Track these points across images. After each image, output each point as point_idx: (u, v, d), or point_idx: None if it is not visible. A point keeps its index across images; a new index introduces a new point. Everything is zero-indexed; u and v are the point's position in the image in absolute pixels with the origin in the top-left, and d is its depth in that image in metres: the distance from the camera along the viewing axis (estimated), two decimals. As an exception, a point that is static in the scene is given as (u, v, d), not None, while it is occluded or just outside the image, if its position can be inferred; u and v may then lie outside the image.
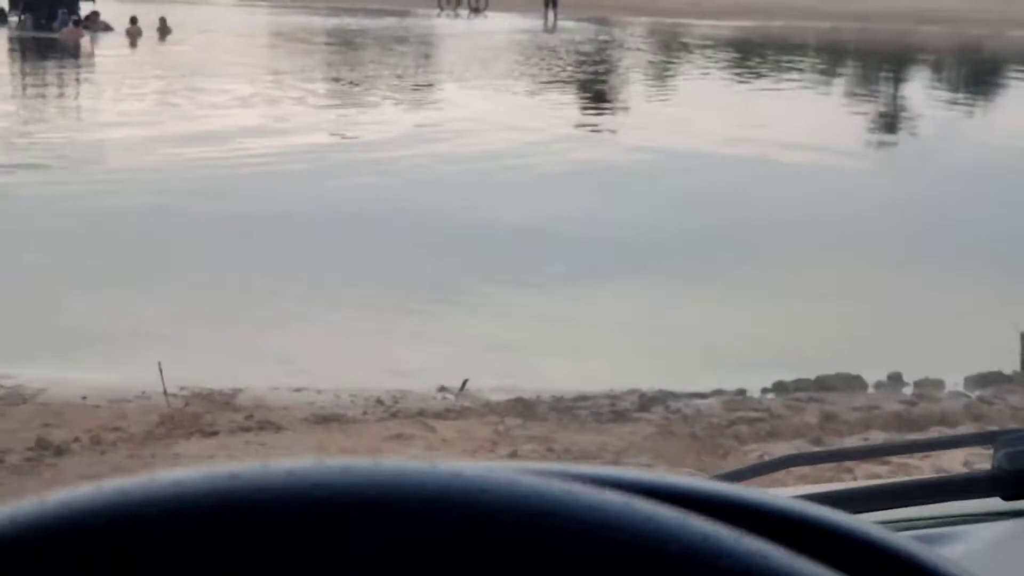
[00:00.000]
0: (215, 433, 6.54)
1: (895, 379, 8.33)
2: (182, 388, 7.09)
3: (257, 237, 11.56)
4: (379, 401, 7.18)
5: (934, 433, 6.80)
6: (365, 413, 7.01)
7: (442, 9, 43.37)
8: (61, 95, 21.11)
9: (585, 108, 22.24)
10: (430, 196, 13.69)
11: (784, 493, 1.08)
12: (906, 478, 1.31)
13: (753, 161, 16.60)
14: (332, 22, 39.21)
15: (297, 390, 7.35)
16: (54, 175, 13.87)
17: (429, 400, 7.36)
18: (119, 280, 10.17)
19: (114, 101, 19.57)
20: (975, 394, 8.12)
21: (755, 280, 11.27)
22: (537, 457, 6.11)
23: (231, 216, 12.35)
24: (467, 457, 6.16)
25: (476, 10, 43.23)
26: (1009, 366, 8.54)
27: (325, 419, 6.86)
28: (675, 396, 7.61)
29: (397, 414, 6.97)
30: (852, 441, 6.74)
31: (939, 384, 8.28)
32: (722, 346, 9.35)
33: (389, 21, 40.37)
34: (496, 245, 11.98)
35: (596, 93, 25.18)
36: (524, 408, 7.06)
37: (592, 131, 19.52)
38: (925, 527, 1.14)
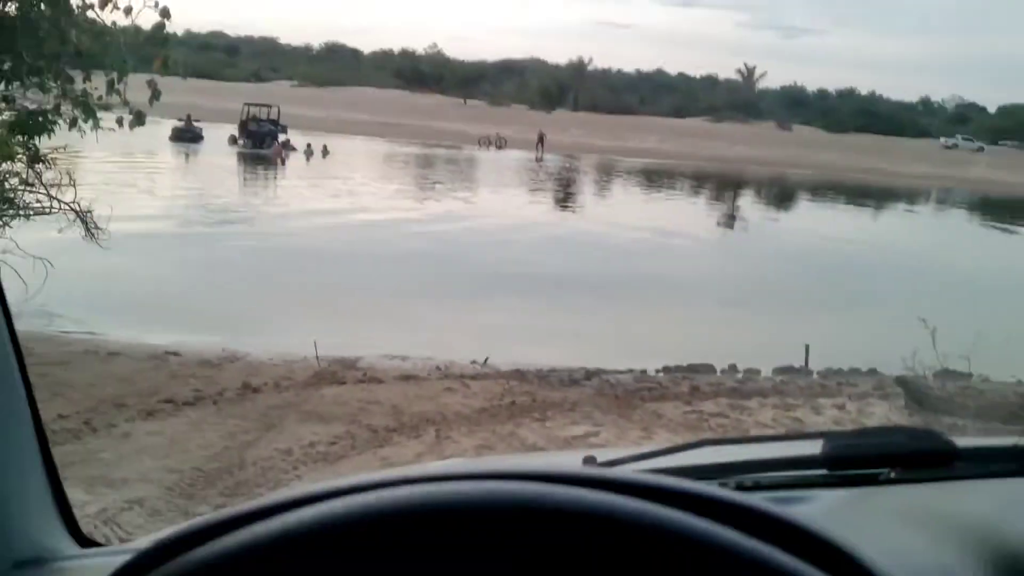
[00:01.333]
0: (343, 383, 8.52)
1: (732, 368, 10.63)
2: (326, 355, 9.25)
3: (364, 263, 16.31)
4: (438, 367, 9.37)
5: (754, 400, 8.87)
6: (429, 375, 9.03)
7: (480, 145, 54.25)
8: (266, 184, 30.27)
9: (551, 203, 29.72)
10: (465, 245, 19.30)
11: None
12: (761, 454, 1.30)
13: (647, 237, 22.63)
14: (418, 150, 48.92)
15: (391, 358, 9.55)
16: (256, 226, 20.12)
17: (466, 367, 9.50)
18: (292, 288, 13.75)
19: (295, 188, 28.48)
20: (778, 379, 10.39)
21: (644, 302, 14.91)
22: (527, 402, 8.02)
23: (348, 251, 17.49)
24: (487, 399, 8.17)
25: (499, 147, 54.69)
26: (798, 363, 11.09)
27: (407, 378, 8.80)
28: (605, 372, 9.92)
29: (448, 376, 9.01)
30: (709, 404, 8.58)
31: (757, 372, 10.60)
32: (627, 340, 12.18)
33: (450, 152, 50.27)
34: (500, 272, 15.91)
35: (559, 195, 32.88)
36: (520, 375, 9.17)
37: (557, 216, 26.85)
38: (768, 488, 1.21)
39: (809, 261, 21.04)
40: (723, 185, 42.68)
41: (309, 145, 38.00)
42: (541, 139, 54.14)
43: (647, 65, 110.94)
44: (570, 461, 1.35)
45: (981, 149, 78.40)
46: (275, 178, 30.86)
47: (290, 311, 12.01)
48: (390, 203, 24.86)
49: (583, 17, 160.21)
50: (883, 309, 15.91)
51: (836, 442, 1.27)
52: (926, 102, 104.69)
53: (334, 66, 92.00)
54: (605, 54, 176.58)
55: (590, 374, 9.91)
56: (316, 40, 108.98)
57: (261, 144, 37.14)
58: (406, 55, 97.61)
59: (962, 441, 1.28)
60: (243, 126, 39.10)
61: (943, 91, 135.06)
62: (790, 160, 60.86)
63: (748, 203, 36.98)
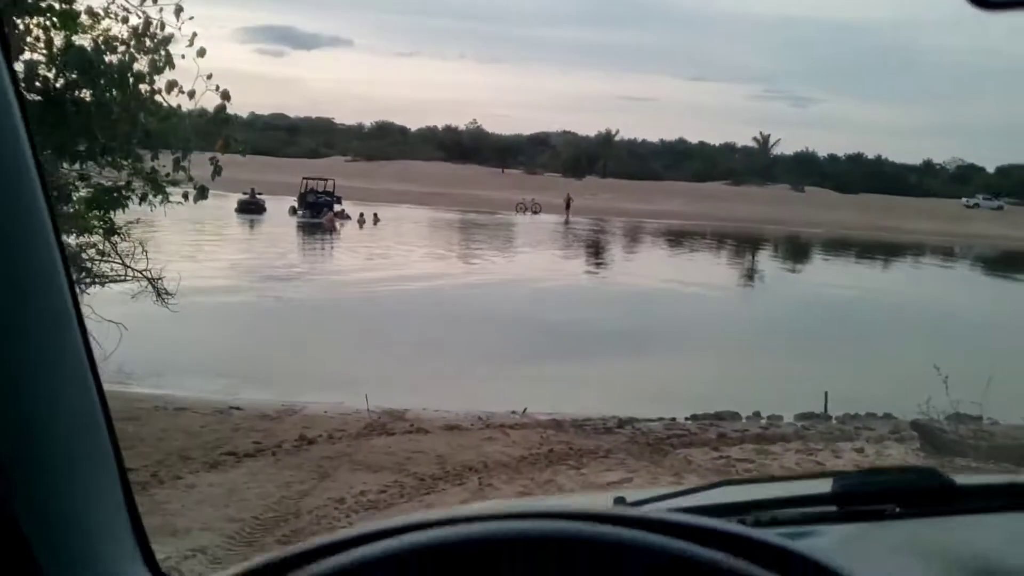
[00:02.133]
0: (392, 434, 8.38)
1: (756, 415, 10.46)
2: (377, 407, 9.19)
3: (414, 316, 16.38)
4: (479, 418, 9.24)
5: (778, 445, 8.64)
6: (472, 425, 8.86)
7: (517, 211, 54.97)
8: (322, 250, 30.63)
9: (584, 261, 29.23)
10: (502, 302, 18.97)
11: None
12: (776, 493, 1.31)
13: (674, 290, 22.89)
14: (460, 216, 49.56)
15: (436, 410, 9.42)
16: (308, 288, 20.12)
17: (506, 418, 9.33)
18: (343, 344, 13.90)
19: (348, 253, 28.29)
20: (800, 424, 10.16)
21: (672, 352, 14.72)
22: (564, 450, 7.81)
23: (394, 310, 17.32)
24: (526, 448, 8.06)
25: (535, 212, 55.19)
26: (818, 408, 10.87)
27: (451, 428, 8.65)
28: (637, 420, 9.69)
29: (489, 425, 8.80)
30: (735, 450, 8.33)
31: (780, 418, 10.44)
32: (656, 388, 11.91)
33: (489, 217, 50.64)
34: (528, 324, 15.69)
35: (591, 254, 32.72)
36: (556, 425, 8.97)
37: (587, 273, 26.69)
38: (782, 524, 1.21)
39: (824, 312, 20.73)
40: (743, 243, 42.33)
41: (362, 214, 38.53)
42: (568, 203, 54.91)
43: (669, 135, 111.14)
44: (602, 501, 1.36)
45: (1001, 208, 76.47)
46: (330, 245, 31.08)
47: (339, 364, 11.99)
48: (430, 264, 24.86)
49: (608, 93, 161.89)
50: (894, 356, 15.57)
51: (845, 481, 1.29)
52: (928, 163, 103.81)
53: (383, 142, 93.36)
54: (630, 125, 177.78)
55: (622, 423, 9.73)
56: (368, 119, 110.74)
57: (318, 214, 37.74)
58: (449, 131, 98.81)
59: (961, 479, 1.30)
60: (302, 198, 39.83)
61: (944, 153, 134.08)
62: (805, 219, 60.48)
63: (766, 259, 36.57)
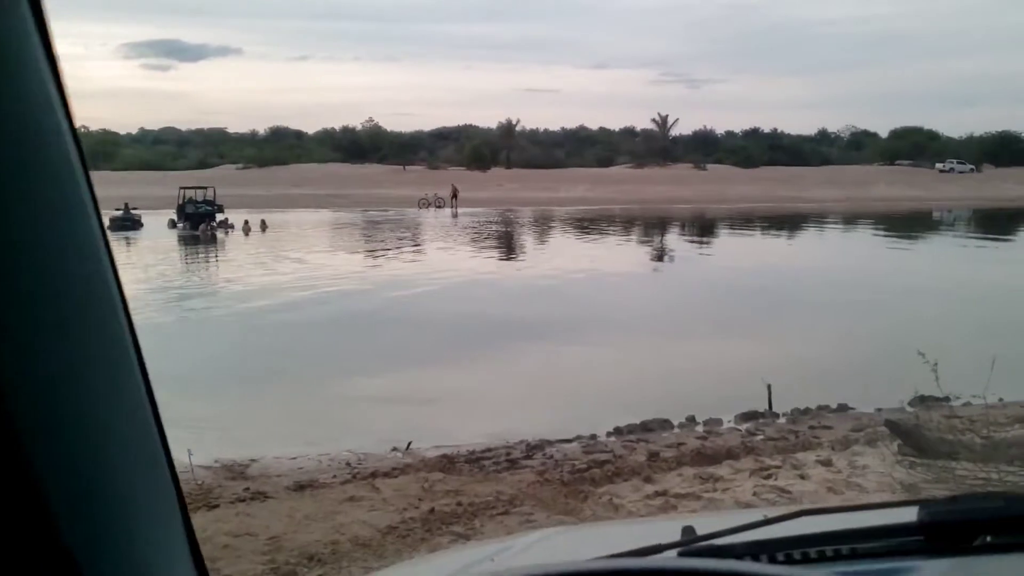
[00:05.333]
0: (216, 505, 6.36)
1: (690, 420, 8.71)
2: (217, 460, 7.47)
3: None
4: (347, 464, 7.26)
5: (726, 466, 6.86)
6: (334, 476, 6.91)
7: (420, 207, 51.89)
8: (204, 258, 27.88)
9: (485, 253, 24.79)
10: (389, 305, 15.47)
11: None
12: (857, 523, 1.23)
13: (585, 277, 20.85)
14: (355, 216, 45.81)
15: (292, 458, 7.41)
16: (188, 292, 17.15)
17: (384, 458, 7.45)
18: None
19: (223, 265, 25.38)
20: (743, 427, 8.51)
21: (586, 345, 12.00)
22: (450, 507, 5.82)
23: (269, 323, 14.68)
24: (400, 509, 5.82)
25: (438, 207, 52.25)
26: (756, 402, 9.13)
27: (302, 487, 6.53)
28: (550, 443, 7.79)
29: (357, 476, 6.86)
30: (674, 478, 6.58)
31: (719, 421, 8.72)
32: (572, 390, 9.81)
33: (387, 215, 46.95)
34: (421, 325, 13.14)
35: (494, 246, 28.80)
36: (447, 463, 7.10)
37: (489, 266, 23.95)
38: (865, 558, 1.16)
39: (741, 291, 19.08)
40: (650, 224, 40.86)
41: (246, 221, 35.64)
42: (455, 194, 53.01)
43: (571, 123, 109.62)
44: (669, 531, 1.20)
45: (973, 170, 77.54)
46: (207, 257, 28.01)
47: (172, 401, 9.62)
48: (307, 271, 21.97)
49: (511, 86, 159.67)
50: (824, 332, 14.02)
51: (931, 509, 1.18)
52: (823, 133, 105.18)
53: (278, 147, 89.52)
54: (532, 116, 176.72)
55: (532, 448, 7.83)
56: (263, 126, 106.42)
57: (196, 225, 35.05)
58: (347, 131, 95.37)
59: None
60: (180, 209, 36.85)
61: (838, 122, 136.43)
62: (709, 196, 59.92)
63: (674, 238, 35.06)
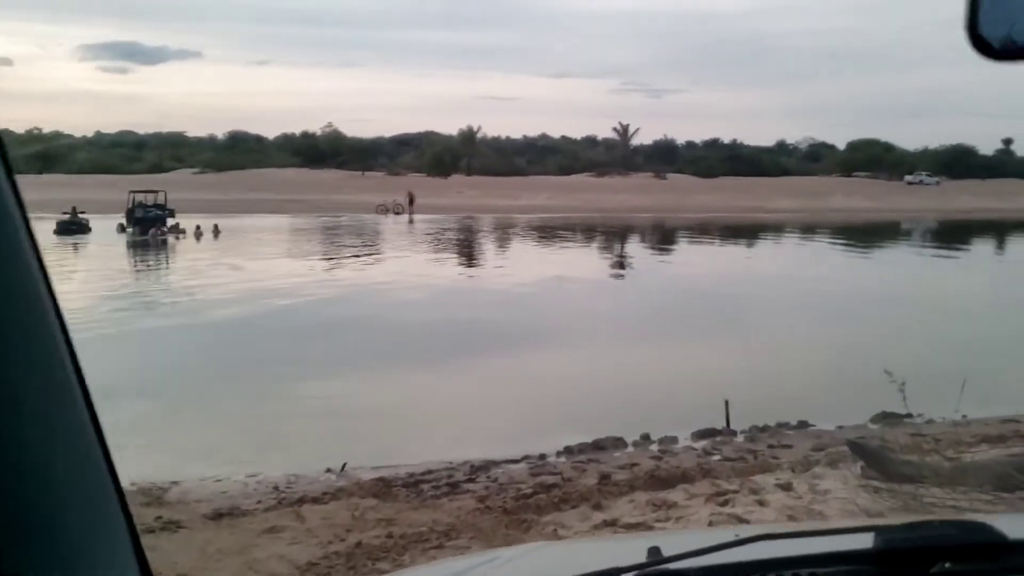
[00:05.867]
0: None
1: (644, 439, 8.25)
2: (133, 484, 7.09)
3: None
4: (275, 487, 6.74)
5: (680, 490, 6.42)
6: (259, 502, 6.43)
7: (378, 212, 50.82)
8: (155, 261, 27.30)
9: (442, 261, 24.13)
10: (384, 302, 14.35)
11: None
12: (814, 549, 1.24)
13: (548, 283, 20.60)
14: (311, 222, 44.77)
15: (217, 480, 6.95)
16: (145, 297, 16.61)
17: (316, 480, 6.98)
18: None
19: (168, 272, 24.74)
20: (699, 445, 8.11)
21: (539, 356, 11.32)
22: (379, 539, 5.39)
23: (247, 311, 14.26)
24: (323, 542, 5.36)
25: (397, 213, 51.34)
26: (718, 421, 8.74)
27: (220, 515, 6.04)
28: (495, 464, 7.37)
29: (283, 501, 6.36)
30: (625, 505, 6.13)
31: (674, 439, 8.28)
32: (522, 405, 9.23)
33: (343, 220, 46.19)
34: (370, 332, 12.90)
35: (453, 253, 28.42)
36: (383, 487, 6.63)
37: (446, 272, 22.94)
38: None
39: (698, 301, 18.77)
40: (610, 233, 40.52)
41: (198, 227, 34.70)
42: (411, 200, 52.60)
43: (532, 131, 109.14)
44: (634, 551, 1.21)
45: (938, 183, 78.25)
46: (154, 263, 26.95)
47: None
48: (251, 280, 21.13)
49: (472, 93, 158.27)
50: (782, 345, 13.70)
51: (887, 535, 1.19)
52: (782, 144, 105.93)
53: (237, 152, 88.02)
54: (494, 124, 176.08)
55: (475, 470, 7.34)
56: (221, 130, 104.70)
57: (146, 231, 33.91)
58: (306, 136, 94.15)
59: (1013, 530, 1.17)
60: (130, 213, 35.69)
61: (796, 134, 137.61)
62: (669, 205, 59.90)
63: (633, 248, 34.69)
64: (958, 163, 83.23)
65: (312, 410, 9.47)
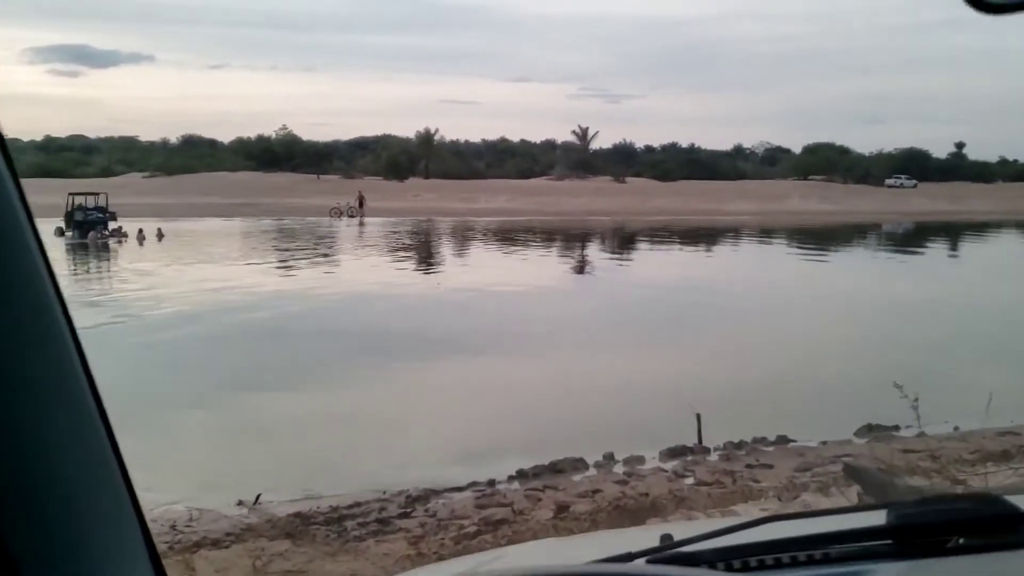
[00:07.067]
0: None
1: (609, 458, 7.38)
2: None
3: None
4: (173, 526, 5.67)
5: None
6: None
7: (331, 215, 49.04)
8: (96, 265, 25.97)
9: (394, 266, 22.78)
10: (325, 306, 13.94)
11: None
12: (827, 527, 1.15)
13: (504, 290, 19.03)
14: (261, 225, 43.23)
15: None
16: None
17: (224, 514, 5.93)
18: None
19: (114, 269, 24.27)
20: (670, 466, 7.21)
21: (492, 366, 10.31)
22: None
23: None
24: None
25: (351, 216, 49.63)
26: (689, 437, 7.83)
27: None
28: (436, 492, 6.41)
29: (175, 546, 5.36)
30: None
31: (641, 459, 7.40)
32: (473, 420, 8.25)
33: (291, 224, 44.32)
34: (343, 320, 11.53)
35: (406, 258, 26.18)
36: (300, 523, 5.65)
37: (394, 278, 20.57)
38: (836, 562, 1.12)
39: (661, 306, 17.84)
40: (569, 237, 39.48)
41: (141, 230, 33.20)
42: (361, 202, 51.69)
43: (492, 135, 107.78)
44: (647, 538, 1.20)
45: (915, 185, 79.03)
46: (90, 268, 25.25)
47: None
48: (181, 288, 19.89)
49: (431, 97, 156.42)
50: (749, 351, 12.81)
51: (901, 512, 1.16)
52: (739, 148, 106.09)
53: (189, 156, 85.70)
54: (453, 128, 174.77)
55: (412, 501, 6.27)
56: (176, 134, 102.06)
57: (85, 234, 32.28)
58: (261, 140, 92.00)
59: None
60: (69, 216, 34.04)
61: (752, 138, 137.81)
62: (628, 208, 59.23)
63: (592, 251, 33.59)
64: (912, 166, 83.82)
65: (223, 427, 8.34)
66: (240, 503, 6.29)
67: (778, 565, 1.13)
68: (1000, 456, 6.67)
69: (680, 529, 1.23)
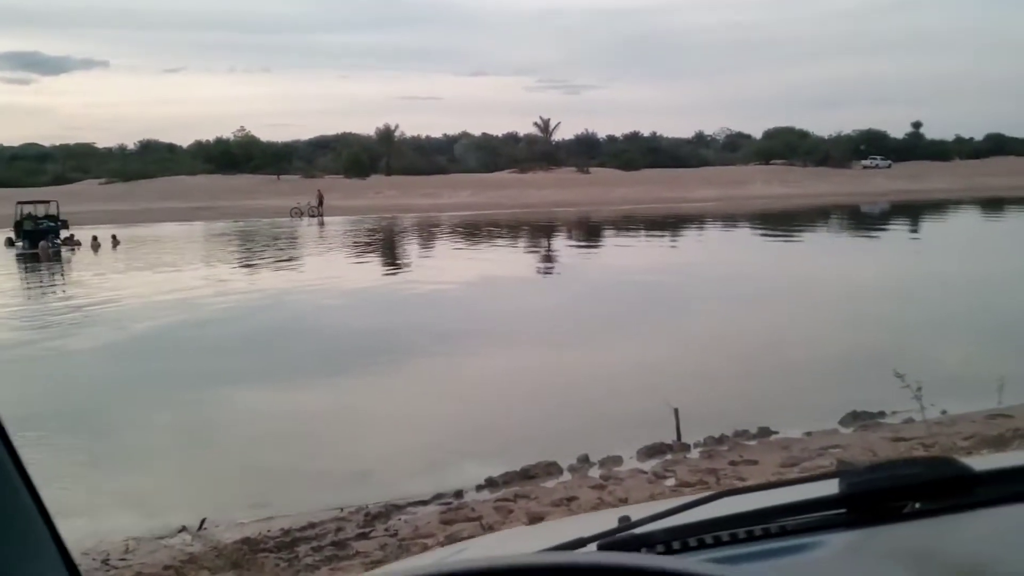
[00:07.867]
0: None
1: (583, 461, 6.94)
2: None
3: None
4: (106, 560, 5.13)
5: None
6: None
7: (292, 216, 48.52)
8: (48, 275, 25.14)
9: (356, 264, 21.41)
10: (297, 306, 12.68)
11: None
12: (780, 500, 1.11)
13: (473, 283, 18.93)
14: (220, 228, 42.08)
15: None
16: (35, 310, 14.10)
17: (160, 549, 5.35)
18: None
19: (69, 278, 23.74)
20: (649, 466, 6.74)
21: (473, 336, 9.70)
22: None
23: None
24: None
25: (312, 215, 49.11)
26: (667, 433, 7.39)
27: None
28: (398, 507, 5.92)
29: None
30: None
31: (618, 460, 6.96)
32: (438, 422, 7.39)
33: (263, 223, 44.06)
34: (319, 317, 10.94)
35: (370, 256, 25.07)
36: (248, 552, 5.08)
37: (361, 273, 19.33)
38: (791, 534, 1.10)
39: (624, 292, 17.45)
40: (535, 228, 38.97)
41: (95, 238, 32.23)
42: (320, 200, 50.88)
43: (453, 130, 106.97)
44: (605, 521, 1.17)
45: (889, 166, 79.91)
46: (40, 279, 24.30)
47: None
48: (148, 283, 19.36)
49: (391, 94, 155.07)
50: (724, 339, 12.39)
51: (852, 479, 1.14)
52: (700, 135, 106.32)
53: (147, 161, 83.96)
54: (414, 123, 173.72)
55: (371, 519, 5.76)
56: (133, 140, 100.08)
57: (38, 243, 31.04)
58: (220, 142, 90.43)
59: (979, 464, 1.15)
60: (18, 226, 32.94)
61: (713, 125, 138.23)
62: (593, 198, 58.89)
63: (558, 242, 32.99)
64: (871, 147, 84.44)
65: (167, 442, 7.77)
66: (183, 529, 5.73)
67: (733, 540, 1.10)
68: (996, 441, 6.28)
69: (640, 511, 1.20)
